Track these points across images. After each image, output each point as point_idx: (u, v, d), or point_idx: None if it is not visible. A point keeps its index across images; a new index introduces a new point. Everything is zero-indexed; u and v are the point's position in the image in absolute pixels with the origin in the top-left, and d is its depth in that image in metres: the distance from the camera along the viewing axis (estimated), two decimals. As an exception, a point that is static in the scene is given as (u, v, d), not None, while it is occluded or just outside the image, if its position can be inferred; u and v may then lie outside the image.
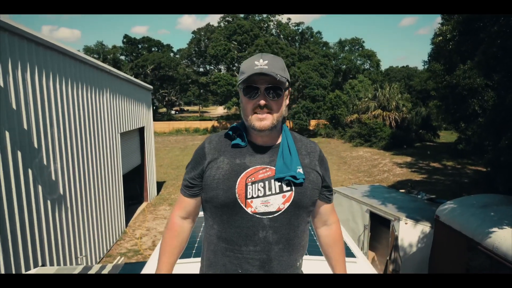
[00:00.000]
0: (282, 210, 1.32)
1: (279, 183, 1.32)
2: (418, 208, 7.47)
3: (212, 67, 41.86)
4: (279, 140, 1.42)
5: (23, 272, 3.60)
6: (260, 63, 1.29)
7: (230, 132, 1.42)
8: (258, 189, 1.30)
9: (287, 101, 1.43)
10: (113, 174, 9.02)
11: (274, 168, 1.34)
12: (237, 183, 1.31)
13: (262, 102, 1.31)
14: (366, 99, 28.94)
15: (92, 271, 2.89)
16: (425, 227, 6.74)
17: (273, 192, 1.32)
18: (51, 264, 5.43)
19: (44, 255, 5.37)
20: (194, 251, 2.69)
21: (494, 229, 4.71)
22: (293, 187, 1.33)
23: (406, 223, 6.82)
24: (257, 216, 1.30)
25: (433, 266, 6.03)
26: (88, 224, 7.28)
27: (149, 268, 2.50)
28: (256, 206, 1.30)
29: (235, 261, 1.33)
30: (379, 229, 7.97)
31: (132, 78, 11.26)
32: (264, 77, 1.29)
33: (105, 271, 2.88)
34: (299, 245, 1.40)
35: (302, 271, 1.54)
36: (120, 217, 9.69)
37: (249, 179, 1.31)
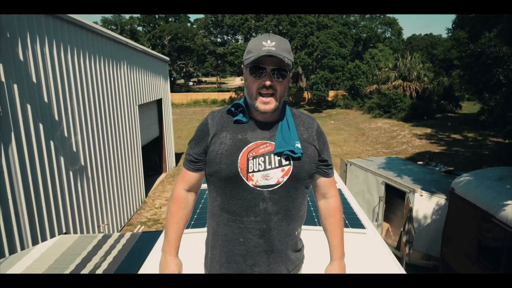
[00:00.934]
0: (281, 183, 1.39)
1: (279, 158, 1.39)
2: (434, 180, 7.40)
3: (230, 37, 41.18)
4: (279, 117, 1.48)
5: (49, 239, 3.83)
6: (268, 44, 1.32)
7: (233, 109, 1.47)
8: (259, 164, 1.37)
9: (289, 83, 1.47)
10: (132, 145, 9.23)
11: (274, 143, 1.40)
12: (239, 158, 1.37)
13: (268, 82, 1.35)
14: (386, 69, 28.07)
15: (112, 239, 3.05)
16: (440, 199, 6.70)
17: (273, 166, 1.38)
18: (75, 232, 5.72)
19: (68, 224, 5.65)
20: (193, 222, 2.81)
21: (509, 201, 4.64)
22: (291, 161, 1.40)
23: (421, 195, 6.79)
24: (258, 189, 1.38)
25: (446, 238, 6.04)
26: (109, 194, 7.56)
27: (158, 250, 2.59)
28: (257, 179, 1.37)
29: (237, 231, 1.42)
30: (394, 201, 7.97)
31: (149, 50, 11.26)
32: (271, 59, 1.32)
33: (123, 239, 3.03)
34: (297, 216, 1.48)
35: (301, 240, 1.64)
36: (140, 187, 10.01)
37: (251, 154, 1.38)
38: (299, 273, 1.59)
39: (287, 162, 1.40)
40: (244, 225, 1.41)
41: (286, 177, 1.40)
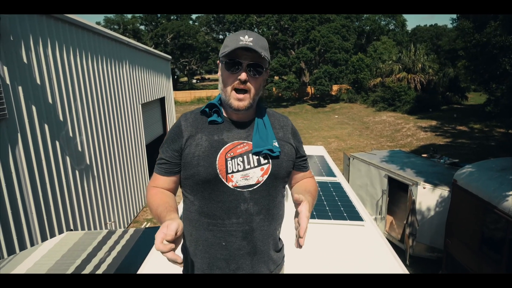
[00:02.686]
0: (261, 182, 1.37)
1: (257, 157, 1.37)
2: (438, 172, 7.43)
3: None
4: (254, 116, 1.46)
5: (57, 235, 3.95)
6: (245, 39, 1.30)
7: (207, 109, 1.42)
8: (238, 164, 1.35)
9: (265, 82, 1.45)
10: (136, 144, 9.36)
11: (251, 142, 1.39)
12: (217, 159, 1.33)
13: (244, 76, 1.31)
14: (390, 61, 27.92)
15: (116, 235, 3.16)
16: (443, 191, 6.74)
17: (252, 165, 1.36)
18: (82, 229, 5.86)
19: (75, 221, 5.78)
20: None
21: (511, 192, 4.67)
22: (269, 160, 1.39)
23: (424, 188, 6.83)
24: (238, 189, 1.34)
25: (449, 230, 6.08)
26: (115, 192, 7.70)
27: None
28: (236, 180, 1.34)
29: (219, 235, 1.37)
30: (398, 194, 8.01)
31: (151, 49, 11.34)
32: (248, 53, 1.30)
33: (127, 235, 3.14)
34: (278, 215, 1.47)
35: (281, 239, 1.61)
36: (145, 185, 10.14)
37: (228, 155, 1.35)
38: (280, 272, 1.57)
39: (266, 161, 1.38)
40: (226, 228, 1.36)
41: (266, 176, 1.37)
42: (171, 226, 1.06)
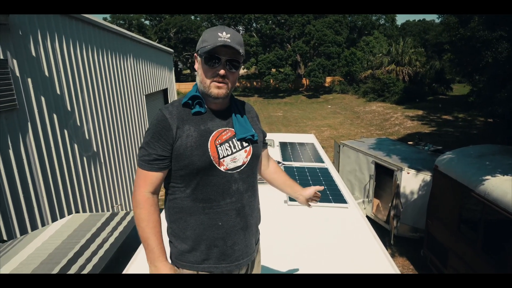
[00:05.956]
0: (246, 163, 1.46)
1: (239, 142, 1.45)
2: (421, 159, 7.48)
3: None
4: (229, 104, 1.51)
5: (66, 216, 4.00)
6: (223, 35, 1.32)
7: (190, 101, 1.41)
8: (226, 149, 1.41)
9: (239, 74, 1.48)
10: (141, 132, 9.36)
11: (232, 129, 1.45)
12: (209, 147, 1.37)
13: (222, 71, 1.34)
14: (380, 54, 27.76)
15: (118, 216, 3.20)
16: (426, 176, 6.80)
17: (238, 149, 1.44)
18: (90, 211, 5.91)
19: (84, 204, 5.82)
20: None
21: (487, 177, 4.73)
22: (250, 143, 1.48)
23: (408, 173, 6.89)
24: (229, 172, 1.41)
25: (430, 212, 6.16)
26: (121, 177, 7.73)
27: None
28: (227, 163, 1.40)
29: (215, 216, 1.40)
30: (384, 178, 8.08)
31: (154, 43, 11.24)
32: (226, 49, 1.33)
33: (129, 216, 3.18)
34: (257, 189, 1.59)
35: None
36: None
37: (217, 141, 1.39)
38: (259, 242, 1.67)
39: (247, 144, 1.46)
40: (222, 209, 1.40)
41: (249, 157, 1.47)
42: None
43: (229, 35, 1.32)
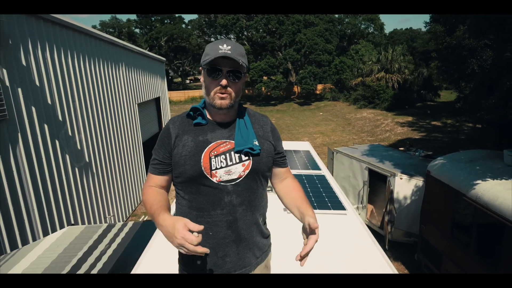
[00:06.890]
0: (243, 177, 1.42)
1: (238, 154, 1.42)
2: (413, 164, 7.53)
3: (223, 37, 40.92)
4: (236, 117, 1.51)
5: (58, 230, 3.89)
6: (224, 47, 1.34)
7: (191, 113, 1.48)
8: (221, 161, 1.40)
9: (244, 85, 1.49)
10: (133, 141, 9.26)
11: (233, 141, 1.44)
12: (202, 158, 1.39)
13: (224, 82, 1.36)
14: (370, 62, 28.12)
15: (115, 228, 3.12)
16: (418, 181, 6.84)
17: (234, 162, 1.41)
18: (83, 223, 5.78)
19: (76, 216, 5.70)
20: None
21: (478, 181, 4.77)
22: (250, 157, 1.44)
23: (401, 178, 6.92)
24: (222, 184, 1.40)
25: (424, 216, 6.18)
26: (114, 187, 7.61)
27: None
28: (220, 175, 1.39)
29: (206, 225, 1.39)
30: (377, 184, 8.11)
31: (145, 51, 11.20)
32: (227, 61, 1.35)
33: (126, 228, 3.10)
34: (259, 205, 1.52)
35: (267, 228, 1.64)
36: (142, 180, 10.05)
37: (212, 153, 1.40)
38: (267, 259, 1.60)
39: (247, 158, 1.43)
40: (212, 219, 1.41)
41: (247, 171, 1.43)
42: (189, 224, 1.15)
43: (229, 47, 1.35)
